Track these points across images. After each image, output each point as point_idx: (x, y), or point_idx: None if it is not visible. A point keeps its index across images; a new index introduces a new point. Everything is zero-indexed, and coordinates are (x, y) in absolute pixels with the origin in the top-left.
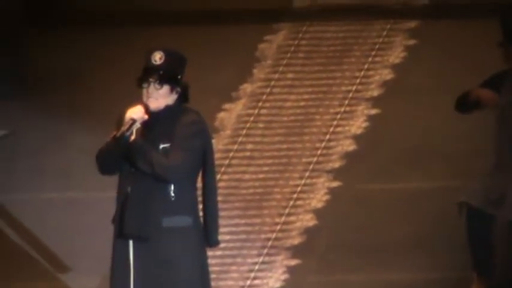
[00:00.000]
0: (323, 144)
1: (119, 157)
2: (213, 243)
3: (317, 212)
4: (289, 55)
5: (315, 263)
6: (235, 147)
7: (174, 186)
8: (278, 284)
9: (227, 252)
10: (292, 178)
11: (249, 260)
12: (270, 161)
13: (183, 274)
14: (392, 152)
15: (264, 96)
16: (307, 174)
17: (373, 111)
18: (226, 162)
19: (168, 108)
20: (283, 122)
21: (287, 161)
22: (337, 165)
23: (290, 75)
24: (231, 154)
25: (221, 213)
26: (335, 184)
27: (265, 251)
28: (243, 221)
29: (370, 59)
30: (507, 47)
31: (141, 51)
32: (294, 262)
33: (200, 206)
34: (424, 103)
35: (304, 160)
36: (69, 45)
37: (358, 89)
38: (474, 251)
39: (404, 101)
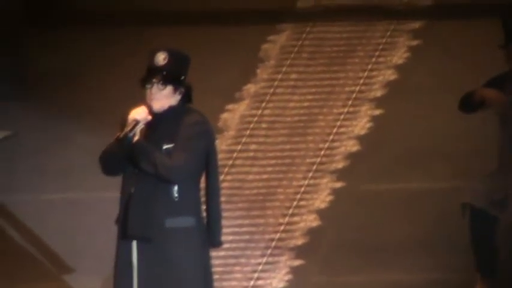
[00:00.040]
0: (326, 145)
1: (123, 158)
2: (216, 243)
3: (320, 213)
4: (292, 55)
5: (318, 264)
6: (239, 147)
7: (177, 186)
8: (281, 285)
9: (230, 253)
10: (295, 179)
11: (253, 261)
12: (273, 162)
13: (186, 274)
14: (396, 152)
15: (268, 97)
16: (310, 174)
17: (377, 112)
18: (230, 162)
19: (171, 108)
20: (286, 122)
21: (290, 162)
22: (340, 165)
23: (293, 76)
24: (234, 155)
25: (224, 214)
26: (338, 185)
27: (269, 251)
28: (246, 222)
29: (373, 59)
30: (508, 48)
31: (141, 52)
32: (297, 262)
33: (203, 207)
34: (428, 103)
35: (307, 161)
36: (69, 45)
37: (362, 90)
38: (477, 251)
39: (407, 102)
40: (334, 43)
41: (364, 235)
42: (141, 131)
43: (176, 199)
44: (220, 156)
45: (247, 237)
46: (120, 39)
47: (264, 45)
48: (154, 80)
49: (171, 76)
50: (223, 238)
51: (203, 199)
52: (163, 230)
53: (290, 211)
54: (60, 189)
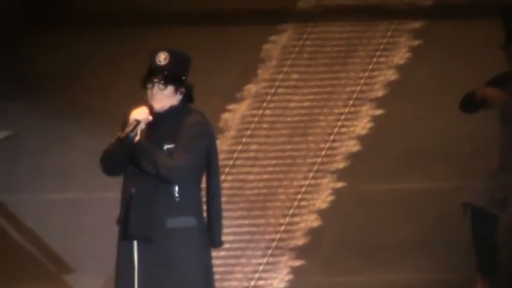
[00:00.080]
0: (327, 145)
1: (124, 158)
2: (217, 243)
3: (321, 213)
4: (293, 56)
5: (319, 264)
6: (240, 147)
7: (178, 187)
8: (282, 285)
9: (231, 253)
10: (296, 179)
11: (253, 261)
12: (274, 162)
13: (187, 275)
14: (397, 152)
15: (269, 97)
16: (311, 174)
17: (378, 112)
18: (231, 162)
19: (172, 109)
20: (287, 122)
21: (291, 162)
22: (341, 165)
23: (294, 76)
24: (235, 155)
25: (225, 214)
26: (339, 185)
27: (270, 251)
28: (247, 222)
29: (374, 59)
30: (509, 48)
31: (142, 52)
32: (298, 263)
33: (204, 207)
34: (429, 103)
35: (308, 161)
36: (69, 45)
37: (363, 90)
38: (478, 251)
39: (408, 102)
40: (335, 43)
41: (365, 235)
42: (142, 131)
43: (177, 199)
44: (221, 156)
45: (248, 237)
46: (120, 39)
47: (265, 46)
48: (155, 80)
49: (172, 76)
50: (224, 238)
51: (204, 199)
52: (164, 230)
53: (291, 211)
54: (60, 189)
